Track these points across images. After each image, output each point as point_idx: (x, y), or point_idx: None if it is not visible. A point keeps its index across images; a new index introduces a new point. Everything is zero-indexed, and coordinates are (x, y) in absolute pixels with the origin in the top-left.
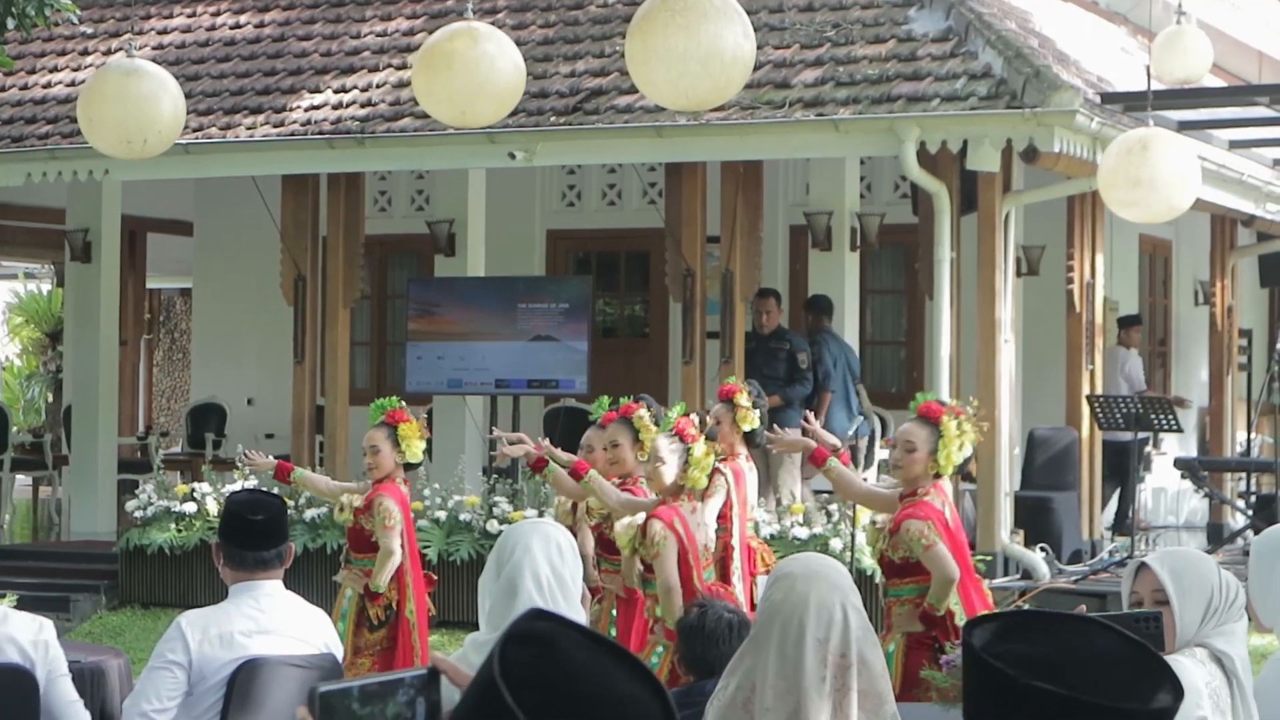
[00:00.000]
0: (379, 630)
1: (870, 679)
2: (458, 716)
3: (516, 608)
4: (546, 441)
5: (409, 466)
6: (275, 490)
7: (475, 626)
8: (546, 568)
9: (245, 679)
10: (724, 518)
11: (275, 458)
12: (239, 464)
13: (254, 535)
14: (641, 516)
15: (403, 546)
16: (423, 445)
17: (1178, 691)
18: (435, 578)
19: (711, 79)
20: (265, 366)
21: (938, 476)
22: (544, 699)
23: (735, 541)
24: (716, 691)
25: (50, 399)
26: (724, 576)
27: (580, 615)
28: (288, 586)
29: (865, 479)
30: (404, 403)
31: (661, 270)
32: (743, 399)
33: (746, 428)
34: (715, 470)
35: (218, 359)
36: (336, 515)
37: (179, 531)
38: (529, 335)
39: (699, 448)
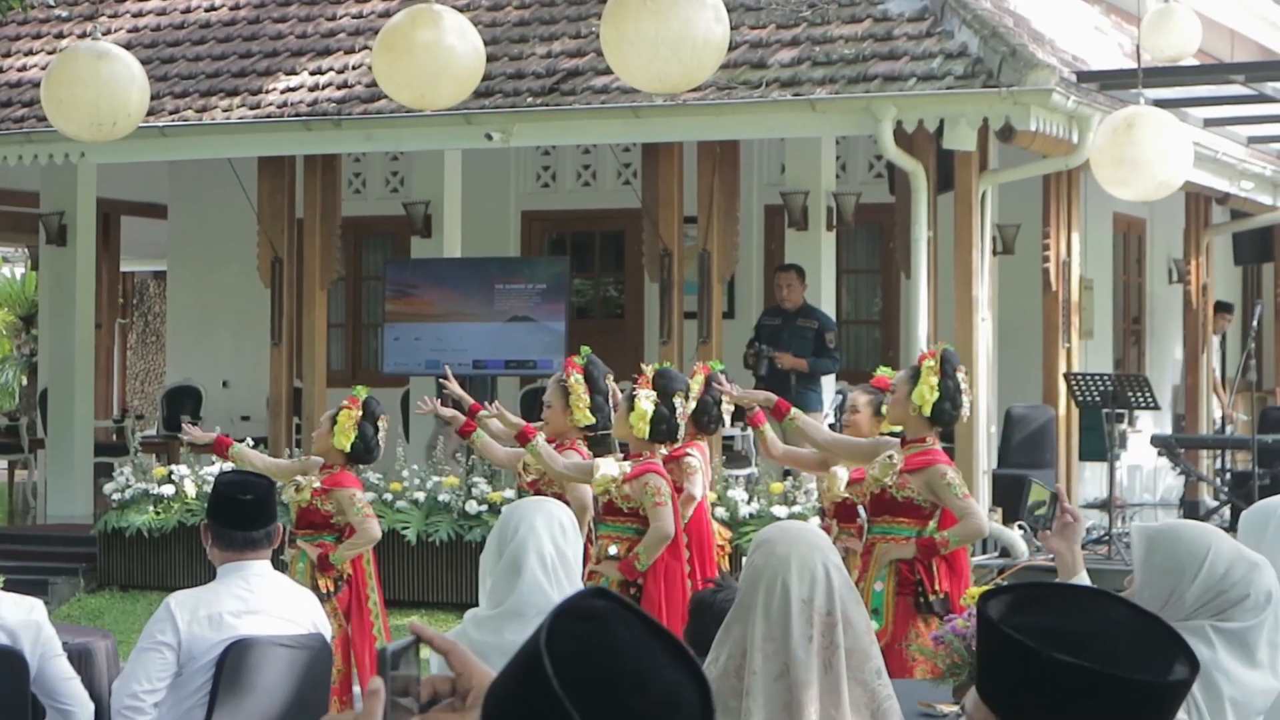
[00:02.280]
0: (326, 603)
1: (855, 636)
2: (498, 684)
3: (520, 585)
4: (497, 404)
5: (350, 457)
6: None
7: (455, 607)
8: (550, 546)
9: (234, 659)
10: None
11: (259, 437)
12: (181, 440)
13: (243, 515)
14: (628, 466)
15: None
16: (352, 435)
17: (1193, 664)
18: None
19: (683, 64)
20: (240, 349)
21: (930, 421)
22: (585, 675)
23: (689, 516)
24: (707, 665)
25: (25, 382)
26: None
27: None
28: (274, 568)
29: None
30: (369, 393)
31: (637, 251)
32: (695, 383)
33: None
34: (686, 452)
35: (192, 342)
36: (291, 494)
37: (157, 514)
38: (506, 316)
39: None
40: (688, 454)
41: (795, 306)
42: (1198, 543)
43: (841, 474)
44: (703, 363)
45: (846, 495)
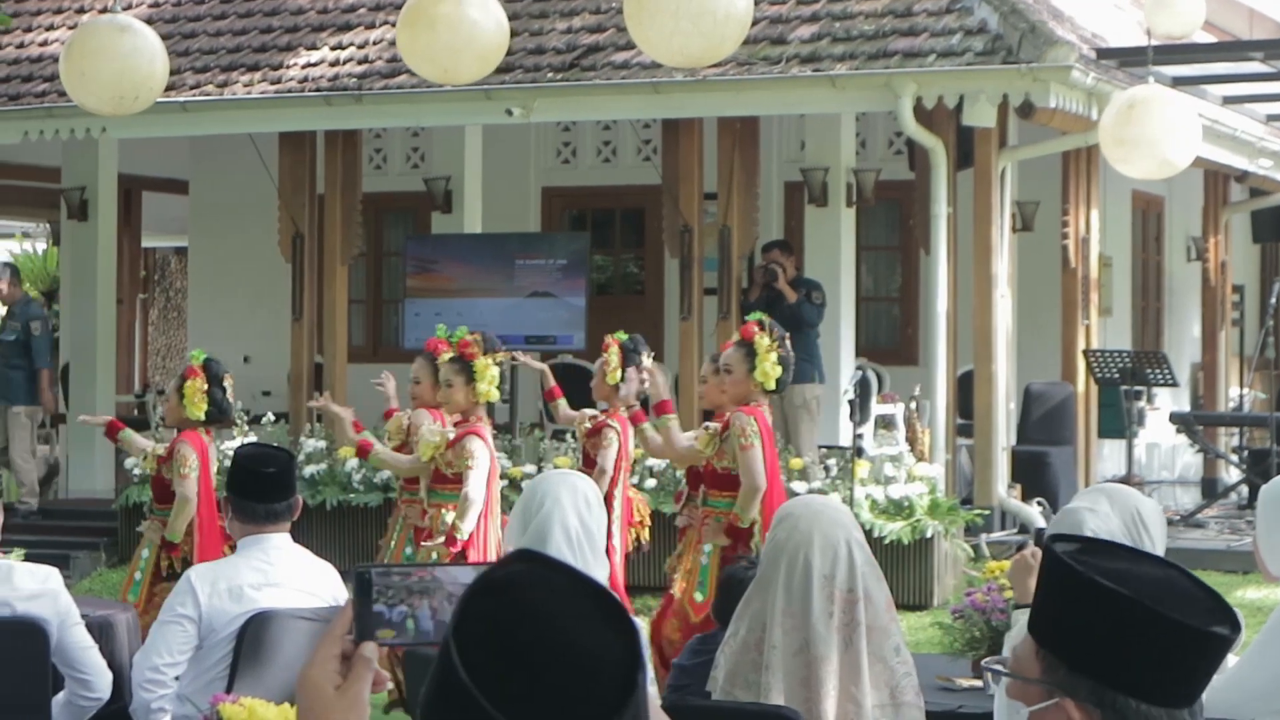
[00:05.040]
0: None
1: (875, 613)
2: (429, 675)
3: None
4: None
5: (208, 422)
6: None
7: None
8: (575, 520)
9: (255, 631)
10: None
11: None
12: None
13: (264, 488)
14: (451, 432)
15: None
16: (204, 403)
17: (1235, 626)
18: None
19: (704, 37)
20: (261, 324)
21: (767, 392)
22: (493, 656)
23: (618, 491)
24: (726, 639)
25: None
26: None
27: (604, 567)
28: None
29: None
30: (205, 356)
31: (657, 227)
32: (612, 355)
33: (611, 382)
34: (605, 424)
35: (214, 317)
36: (141, 464)
37: None
38: (526, 291)
39: (480, 362)
40: (608, 425)
41: (789, 282)
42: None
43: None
44: (612, 336)
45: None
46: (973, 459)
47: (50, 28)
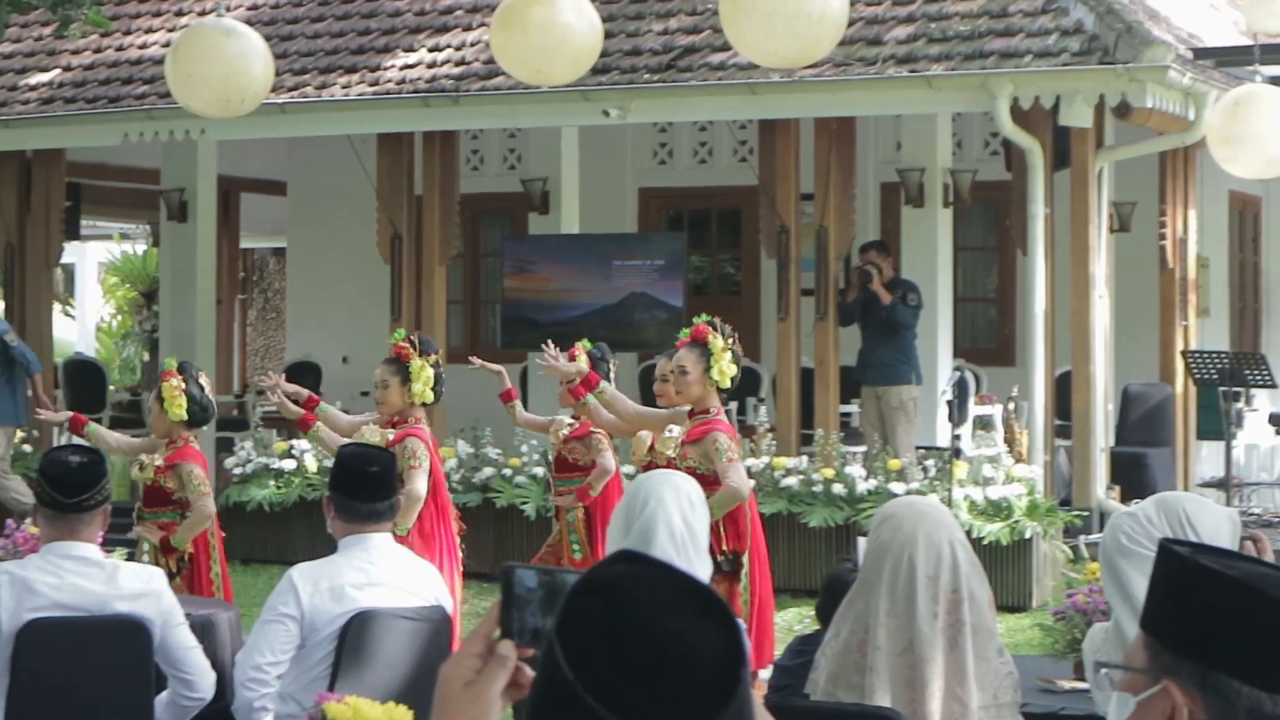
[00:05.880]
0: (172, 582)
1: (979, 613)
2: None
3: None
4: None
5: (190, 425)
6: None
7: None
8: (679, 519)
9: (356, 631)
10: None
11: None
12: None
13: (367, 487)
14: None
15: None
16: (183, 403)
17: None
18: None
19: (799, 38)
20: (359, 325)
21: (722, 392)
22: (594, 653)
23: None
24: (827, 640)
25: (146, 358)
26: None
27: (708, 566)
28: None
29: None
30: (179, 361)
31: (753, 227)
32: (581, 360)
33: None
34: (590, 430)
35: (312, 317)
36: (135, 473)
37: (278, 488)
38: (623, 292)
39: (416, 363)
40: (593, 431)
41: (886, 283)
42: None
43: (677, 432)
44: (579, 344)
45: (672, 456)
46: (1071, 460)
47: (149, 30)
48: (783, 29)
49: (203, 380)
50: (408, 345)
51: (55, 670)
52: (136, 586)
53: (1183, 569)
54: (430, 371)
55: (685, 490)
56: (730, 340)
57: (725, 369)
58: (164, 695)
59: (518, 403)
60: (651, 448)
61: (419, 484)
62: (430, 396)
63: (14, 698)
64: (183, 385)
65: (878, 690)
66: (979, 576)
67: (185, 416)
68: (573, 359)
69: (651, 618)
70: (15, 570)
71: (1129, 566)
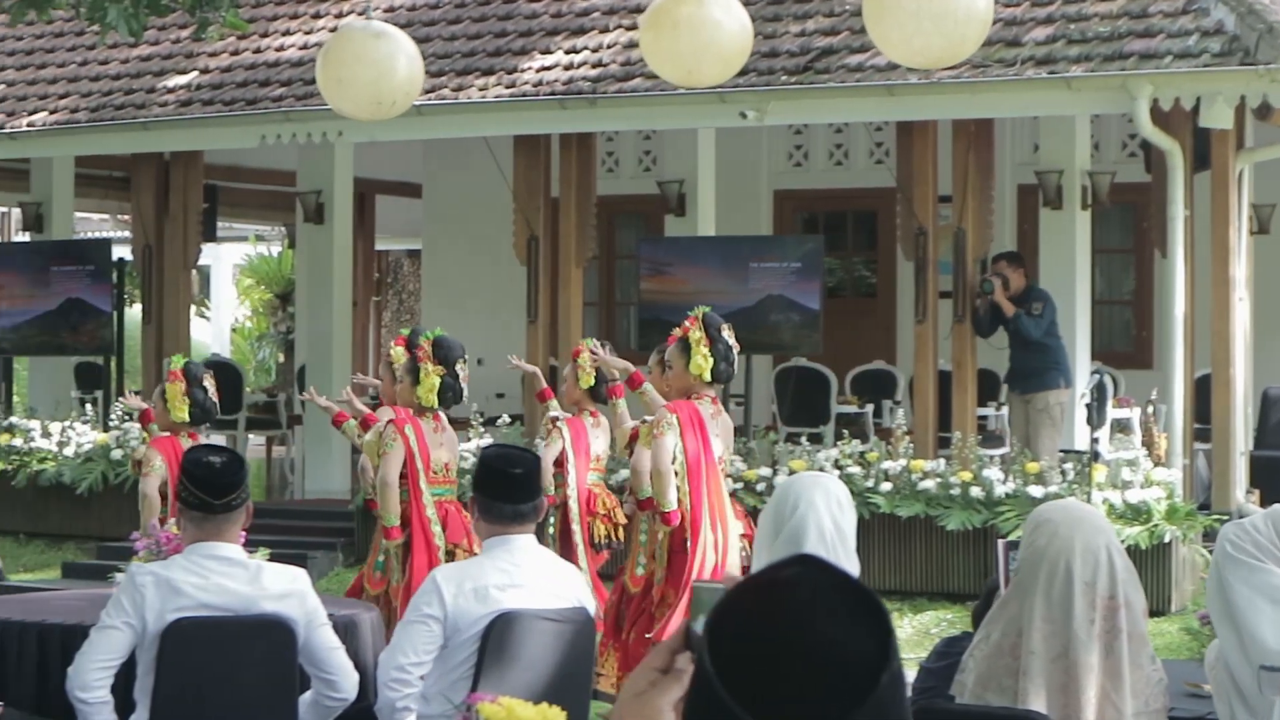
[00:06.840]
0: None
1: (1134, 620)
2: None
3: None
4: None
5: (193, 423)
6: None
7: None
8: (829, 521)
9: (499, 632)
10: (560, 466)
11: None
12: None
13: (512, 488)
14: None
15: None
16: (186, 404)
17: None
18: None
19: (944, 37)
20: (495, 327)
21: (708, 384)
22: (735, 646)
23: (571, 491)
24: (976, 642)
25: (282, 359)
26: (565, 522)
27: (856, 566)
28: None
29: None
30: (185, 360)
31: (890, 230)
32: (584, 359)
33: (585, 385)
34: (553, 424)
35: (447, 319)
36: (131, 471)
37: None
38: (760, 295)
39: (425, 367)
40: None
41: (1017, 293)
42: None
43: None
44: (581, 341)
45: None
46: (1210, 464)
47: (286, 33)
48: (929, 28)
49: (207, 382)
50: (428, 347)
51: (199, 670)
52: (282, 587)
53: None
54: (436, 380)
55: (834, 492)
56: (713, 334)
57: (702, 362)
58: (307, 695)
59: (553, 401)
60: (632, 439)
61: (390, 470)
62: (433, 401)
63: (159, 697)
64: (185, 389)
65: (1031, 694)
66: (1134, 583)
67: (187, 419)
68: (576, 356)
69: (796, 614)
70: (160, 571)
71: (1232, 575)
